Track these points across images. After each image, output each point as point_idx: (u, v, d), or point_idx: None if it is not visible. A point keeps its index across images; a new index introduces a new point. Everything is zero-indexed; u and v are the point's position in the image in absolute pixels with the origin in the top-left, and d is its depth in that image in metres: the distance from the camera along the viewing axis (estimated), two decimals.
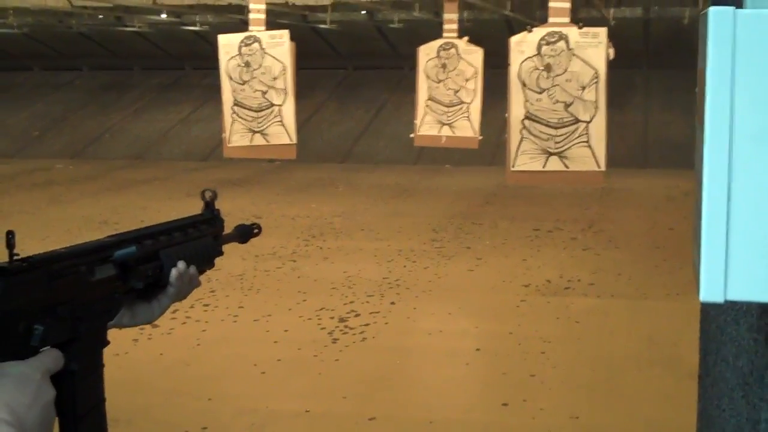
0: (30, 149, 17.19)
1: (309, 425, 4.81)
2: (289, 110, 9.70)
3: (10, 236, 1.17)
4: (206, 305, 6.90)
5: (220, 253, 1.71)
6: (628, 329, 6.32)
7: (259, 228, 1.83)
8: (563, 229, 9.83)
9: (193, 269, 1.58)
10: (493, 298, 7.19)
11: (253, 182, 13.44)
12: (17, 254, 1.17)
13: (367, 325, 6.46)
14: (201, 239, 1.64)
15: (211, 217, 1.70)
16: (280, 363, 5.73)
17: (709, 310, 1.51)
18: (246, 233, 1.82)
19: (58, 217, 9.92)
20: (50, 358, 1.20)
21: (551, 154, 7.83)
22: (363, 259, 8.51)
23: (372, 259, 8.47)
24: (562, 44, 7.82)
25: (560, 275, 7.76)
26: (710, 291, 0.92)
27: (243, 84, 9.83)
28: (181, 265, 1.54)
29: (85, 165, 15.78)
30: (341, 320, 6.55)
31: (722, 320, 1.43)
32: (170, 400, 5.09)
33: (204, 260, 1.64)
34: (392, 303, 7.03)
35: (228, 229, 1.78)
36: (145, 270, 1.46)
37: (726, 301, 0.92)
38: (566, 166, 7.76)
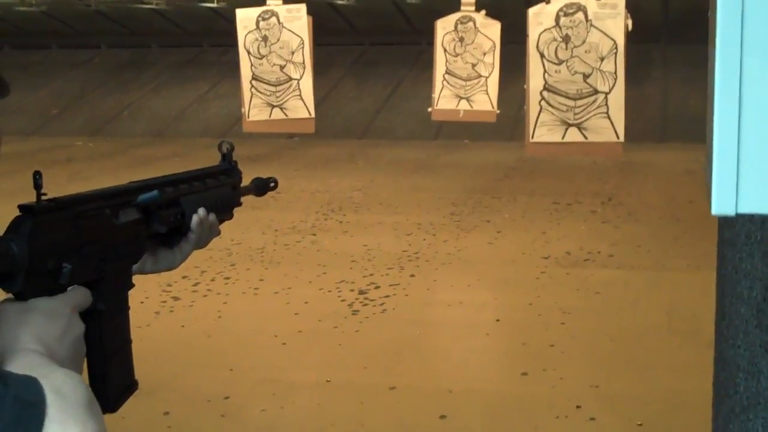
0: (49, 127, 17.26)
1: (330, 395, 4.84)
2: (307, 84, 9.71)
3: (37, 176, 1.19)
4: (227, 278, 6.94)
5: (239, 204, 1.73)
6: (647, 300, 6.32)
7: (275, 182, 1.84)
8: (582, 202, 9.81)
9: (213, 216, 1.60)
10: (512, 270, 7.20)
11: (272, 158, 13.45)
12: (44, 193, 1.19)
13: (386, 297, 6.48)
14: (220, 188, 1.66)
15: (229, 167, 1.71)
16: (300, 334, 5.76)
17: (725, 251, 1.52)
18: (263, 186, 1.83)
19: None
20: (79, 295, 1.22)
21: (570, 125, 7.82)
22: (382, 232, 8.52)
23: (391, 233, 8.48)
24: (580, 15, 7.79)
25: (580, 247, 7.75)
26: (722, 204, 0.93)
27: (261, 58, 9.84)
28: (201, 211, 1.55)
29: (104, 142, 15.85)
30: (361, 292, 6.58)
31: (737, 258, 1.44)
32: (192, 371, 5.13)
33: (223, 209, 1.65)
34: (412, 275, 7.05)
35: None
36: (167, 215, 1.47)
37: (737, 215, 0.93)
38: (585, 137, 7.75)
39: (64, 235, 1.21)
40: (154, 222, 1.44)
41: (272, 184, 1.84)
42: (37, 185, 1.18)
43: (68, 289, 1.21)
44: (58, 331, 1.14)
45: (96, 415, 1.04)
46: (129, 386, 1.37)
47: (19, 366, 1.04)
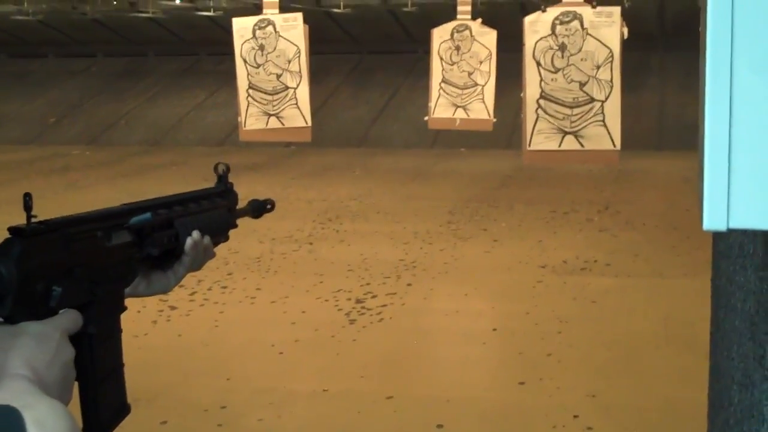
0: (46, 136, 17.26)
1: (327, 404, 4.84)
2: (303, 93, 9.72)
3: (27, 198, 1.18)
4: (224, 287, 6.93)
5: (235, 225, 1.72)
6: (644, 309, 6.32)
7: (272, 204, 1.83)
8: (579, 210, 9.82)
9: (207, 239, 1.58)
10: (509, 279, 7.20)
11: (269, 167, 13.46)
12: (35, 216, 1.19)
13: (384, 306, 6.48)
14: (215, 210, 1.65)
15: (224, 189, 1.71)
16: (297, 343, 5.76)
17: (719, 263, 1.53)
18: (259, 208, 1.82)
19: (75, 202, 9.96)
20: (68, 319, 1.20)
21: (567, 133, 7.83)
22: (379, 241, 8.53)
23: (388, 242, 8.48)
24: (576, 23, 7.81)
25: (577, 256, 7.76)
26: (713, 219, 0.93)
27: (257, 67, 9.85)
28: (195, 234, 1.54)
29: (101, 151, 15.85)
30: (358, 301, 6.58)
31: (731, 270, 1.45)
32: (189, 379, 5.13)
33: (218, 231, 1.64)
34: (409, 284, 7.05)
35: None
36: (160, 237, 1.47)
37: (729, 230, 0.93)
38: (582, 145, 7.76)
39: (55, 257, 1.20)
40: (147, 244, 1.43)
41: (269, 206, 1.83)
42: (27, 207, 1.17)
43: (59, 312, 1.20)
44: (48, 356, 1.13)
45: None
46: (121, 410, 1.36)
47: (5, 391, 1.03)
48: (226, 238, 1.69)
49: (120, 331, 1.36)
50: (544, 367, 5.27)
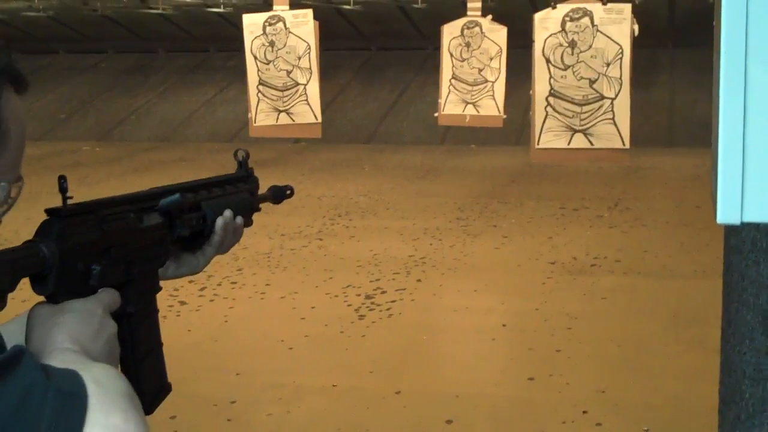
0: (57, 131, 17.29)
1: (336, 399, 4.84)
2: (314, 89, 9.70)
3: (62, 180, 1.21)
4: (233, 283, 6.95)
5: (258, 209, 1.74)
6: (654, 305, 6.31)
7: (292, 190, 1.86)
8: (589, 207, 9.81)
9: (240, 219, 1.61)
10: (519, 275, 7.20)
11: (278, 163, 13.47)
12: (71, 197, 1.21)
13: (393, 301, 6.48)
14: (239, 194, 1.67)
15: (246, 174, 1.73)
16: (307, 339, 5.77)
17: (731, 258, 1.52)
18: (279, 194, 1.85)
19: (86, 198, 9.90)
20: (109, 296, 1.24)
21: (576, 131, 7.79)
22: (389, 237, 8.53)
23: (398, 238, 8.49)
24: (586, 20, 7.78)
25: (586, 253, 7.75)
26: (727, 213, 0.94)
27: (268, 63, 9.85)
28: (228, 212, 1.57)
29: (111, 147, 15.87)
30: (368, 297, 6.58)
31: (743, 265, 1.45)
32: (199, 374, 5.14)
33: (244, 214, 1.66)
34: (418, 280, 7.05)
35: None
36: (189, 219, 1.49)
37: (742, 223, 0.93)
38: (591, 144, 7.72)
39: (91, 237, 1.23)
40: (177, 226, 1.45)
41: (288, 192, 1.86)
42: (63, 189, 1.20)
43: (98, 290, 1.22)
44: (92, 331, 1.16)
45: (136, 405, 1.05)
46: (162, 388, 1.39)
47: (57, 363, 1.05)
48: (250, 222, 1.71)
49: (157, 310, 1.40)
50: (553, 363, 5.27)
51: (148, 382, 1.35)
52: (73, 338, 1.13)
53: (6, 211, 1.14)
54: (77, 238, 1.20)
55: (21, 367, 0.96)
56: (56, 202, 1.25)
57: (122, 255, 1.29)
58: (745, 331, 1.42)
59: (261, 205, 1.77)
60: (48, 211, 1.20)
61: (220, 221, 1.56)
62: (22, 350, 0.98)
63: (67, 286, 1.18)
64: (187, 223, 1.48)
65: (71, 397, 0.97)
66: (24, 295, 1.22)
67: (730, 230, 1.51)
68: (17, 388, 0.94)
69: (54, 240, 1.16)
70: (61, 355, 1.09)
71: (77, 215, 1.22)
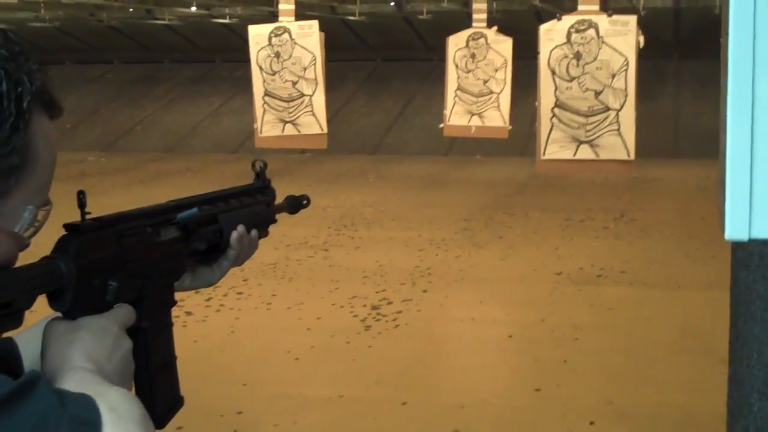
0: (63, 142, 17.25)
1: (342, 410, 4.85)
2: (319, 100, 9.75)
3: (81, 196, 1.21)
4: (240, 293, 6.95)
5: (274, 221, 1.75)
6: (660, 317, 6.31)
7: (308, 199, 1.86)
8: (595, 218, 9.81)
9: (254, 232, 1.62)
10: (524, 286, 7.20)
11: (283, 173, 13.47)
12: (89, 212, 1.22)
13: (399, 312, 6.49)
14: (255, 206, 1.67)
15: (263, 186, 1.73)
16: (313, 349, 5.77)
17: (738, 272, 1.53)
18: (296, 204, 1.85)
19: (91, 208, 9.90)
20: (124, 312, 1.24)
21: (582, 142, 7.82)
22: (394, 248, 8.53)
23: (403, 249, 8.49)
24: (591, 32, 7.80)
25: (592, 264, 7.75)
26: (735, 229, 0.94)
27: (273, 74, 9.88)
28: (241, 228, 1.58)
29: (116, 157, 15.91)
30: (374, 308, 6.59)
31: (750, 279, 1.45)
32: (205, 385, 5.14)
33: (260, 225, 1.67)
34: (424, 291, 7.06)
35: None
36: (206, 232, 1.49)
37: (750, 240, 0.94)
38: (597, 155, 7.75)
39: (109, 253, 1.24)
40: (194, 239, 1.46)
41: (305, 202, 1.86)
42: (81, 204, 1.20)
43: (114, 306, 1.23)
44: (108, 349, 1.16)
45: (150, 430, 1.06)
46: (176, 402, 1.39)
47: (72, 384, 1.05)
48: (267, 234, 1.71)
49: (171, 324, 1.40)
50: (559, 374, 5.27)
51: (161, 396, 1.36)
52: (89, 357, 1.13)
53: (33, 235, 1.15)
54: (95, 254, 1.20)
55: (36, 393, 0.96)
56: (62, 212, 1.25)
57: (139, 270, 1.29)
58: (753, 344, 1.43)
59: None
60: (66, 227, 1.20)
61: (234, 235, 1.57)
62: (37, 376, 0.99)
63: (83, 302, 1.18)
64: (204, 237, 1.49)
65: (85, 425, 0.98)
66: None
67: (737, 244, 1.51)
68: (32, 415, 0.94)
69: (72, 257, 1.17)
70: (76, 375, 1.09)
71: (95, 231, 1.22)
